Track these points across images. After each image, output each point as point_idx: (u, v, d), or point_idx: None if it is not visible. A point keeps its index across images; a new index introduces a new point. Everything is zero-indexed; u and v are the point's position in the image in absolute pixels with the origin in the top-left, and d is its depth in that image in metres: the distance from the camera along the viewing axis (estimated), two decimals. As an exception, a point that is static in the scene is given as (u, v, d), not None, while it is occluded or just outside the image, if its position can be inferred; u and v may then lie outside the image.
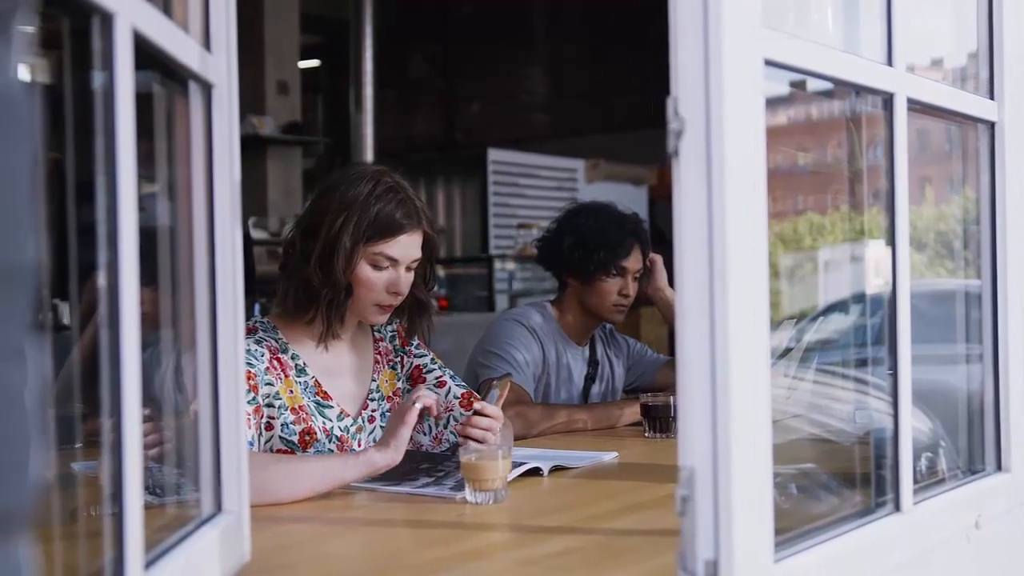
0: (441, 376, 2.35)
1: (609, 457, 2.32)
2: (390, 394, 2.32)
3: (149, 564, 1.08)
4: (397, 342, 2.37)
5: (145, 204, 1.12)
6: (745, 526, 1.15)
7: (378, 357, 2.33)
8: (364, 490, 1.97)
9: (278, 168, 7.74)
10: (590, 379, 3.09)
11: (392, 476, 2.01)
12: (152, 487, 1.29)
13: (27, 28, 0.58)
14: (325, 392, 2.20)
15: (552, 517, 1.79)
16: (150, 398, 1.14)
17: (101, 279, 1.00)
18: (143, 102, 1.06)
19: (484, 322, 5.39)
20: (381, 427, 2.27)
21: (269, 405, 2.09)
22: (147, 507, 1.05)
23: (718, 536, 1.14)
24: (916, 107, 1.56)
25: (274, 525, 1.70)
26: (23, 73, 0.57)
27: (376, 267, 2.14)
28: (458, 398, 2.30)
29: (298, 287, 2.16)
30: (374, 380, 2.30)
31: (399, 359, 2.36)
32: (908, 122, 1.52)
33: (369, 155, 8.62)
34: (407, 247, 2.16)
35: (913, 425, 1.54)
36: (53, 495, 1.11)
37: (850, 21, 1.78)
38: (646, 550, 1.56)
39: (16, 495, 0.53)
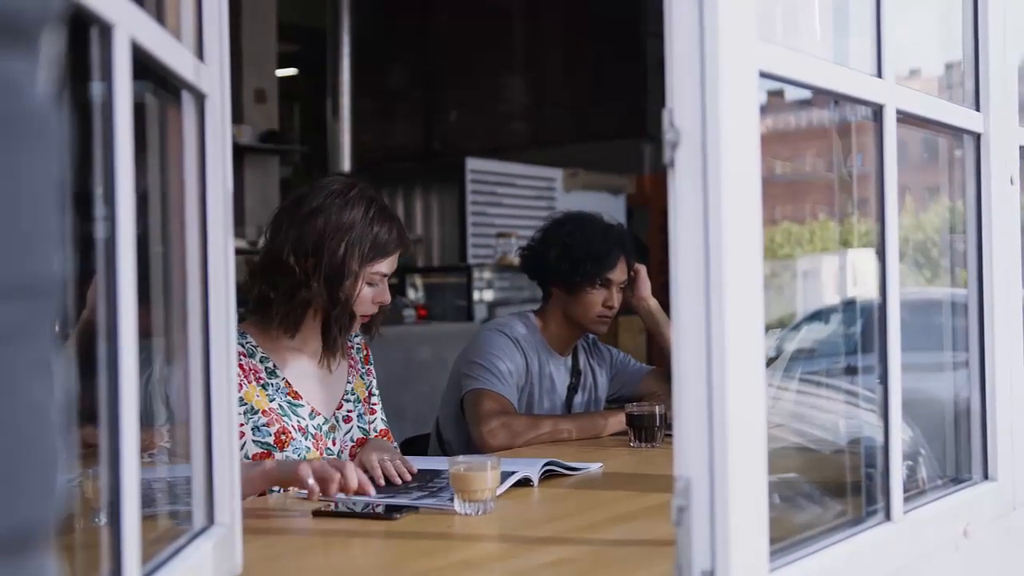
0: (376, 405, 2.48)
1: (595, 467, 2.32)
2: (363, 398, 2.43)
3: (144, 578, 1.07)
4: (361, 356, 2.49)
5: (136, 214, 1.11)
6: (742, 536, 1.15)
7: (351, 362, 2.43)
8: (359, 502, 1.96)
9: (255, 176, 7.72)
10: (573, 389, 3.09)
11: (386, 490, 2.00)
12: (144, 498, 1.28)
13: (53, 43, 0.58)
14: (296, 392, 2.27)
15: (542, 527, 1.79)
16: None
17: (98, 290, 1.00)
18: (135, 112, 1.06)
19: (463, 331, 5.40)
20: (359, 427, 2.38)
21: None
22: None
23: (715, 546, 1.15)
24: (903, 118, 1.57)
25: (265, 537, 1.69)
26: (50, 86, 0.56)
27: (371, 284, 2.27)
28: (377, 432, 2.42)
29: (299, 307, 2.22)
30: (349, 382, 2.39)
31: (365, 370, 2.48)
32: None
33: (346, 164, 8.61)
34: (395, 262, 2.31)
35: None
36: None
37: (838, 32, 1.79)
38: (638, 560, 1.57)
39: (44, 510, 0.53)
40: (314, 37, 8.84)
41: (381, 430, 2.43)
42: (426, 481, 2.10)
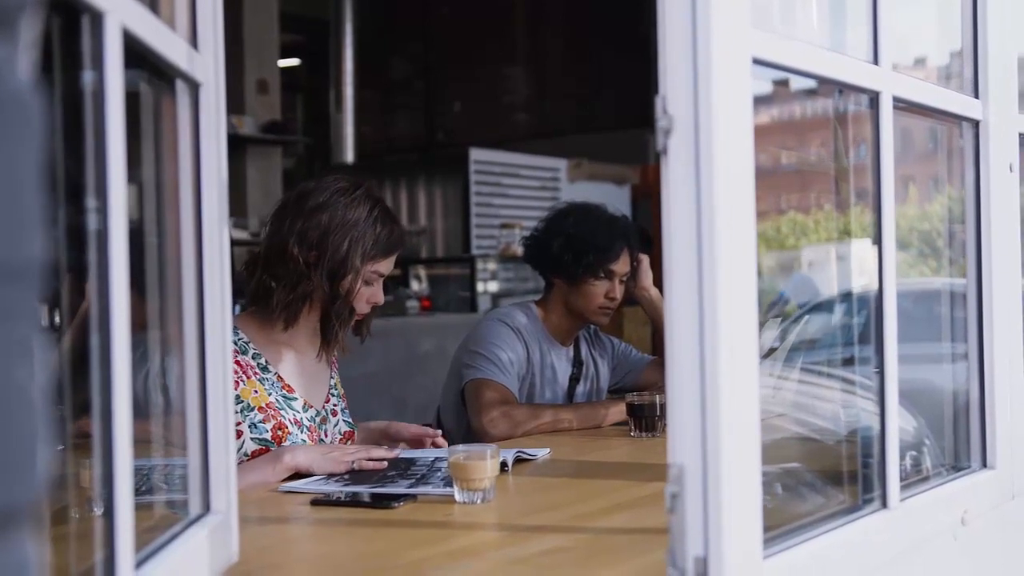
0: (344, 405, 2.48)
1: (542, 453, 2.33)
2: (342, 394, 2.48)
3: (139, 564, 1.07)
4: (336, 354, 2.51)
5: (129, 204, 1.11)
6: (735, 523, 1.15)
7: (333, 360, 2.47)
8: (357, 491, 1.96)
9: (258, 168, 7.72)
10: (575, 379, 3.09)
11: (370, 482, 2.00)
12: (137, 486, 1.28)
13: (33, 29, 0.58)
14: (289, 386, 2.30)
15: (540, 516, 1.79)
16: (134, 400, 1.14)
17: (89, 281, 1.00)
18: (128, 101, 1.06)
19: (466, 323, 5.41)
20: (344, 420, 2.43)
21: None
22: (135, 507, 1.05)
23: (708, 533, 1.15)
24: (901, 105, 1.57)
25: (262, 525, 1.70)
26: (29, 72, 0.57)
27: (367, 283, 2.30)
28: (341, 435, 2.42)
29: (299, 299, 2.25)
30: (332, 378, 2.45)
31: (338, 368, 2.52)
32: (893, 120, 1.53)
33: (349, 155, 8.61)
34: (392, 263, 2.36)
35: (898, 424, 1.54)
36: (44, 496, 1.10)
37: (835, 19, 1.79)
38: (635, 548, 1.57)
39: (24, 491, 0.53)
40: (317, 27, 8.85)
41: (346, 431, 2.44)
42: (404, 469, 2.10)
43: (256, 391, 2.23)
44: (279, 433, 2.22)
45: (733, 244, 1.16)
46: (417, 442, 2.40)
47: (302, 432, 2.27)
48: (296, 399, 2.30)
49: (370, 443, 2.43)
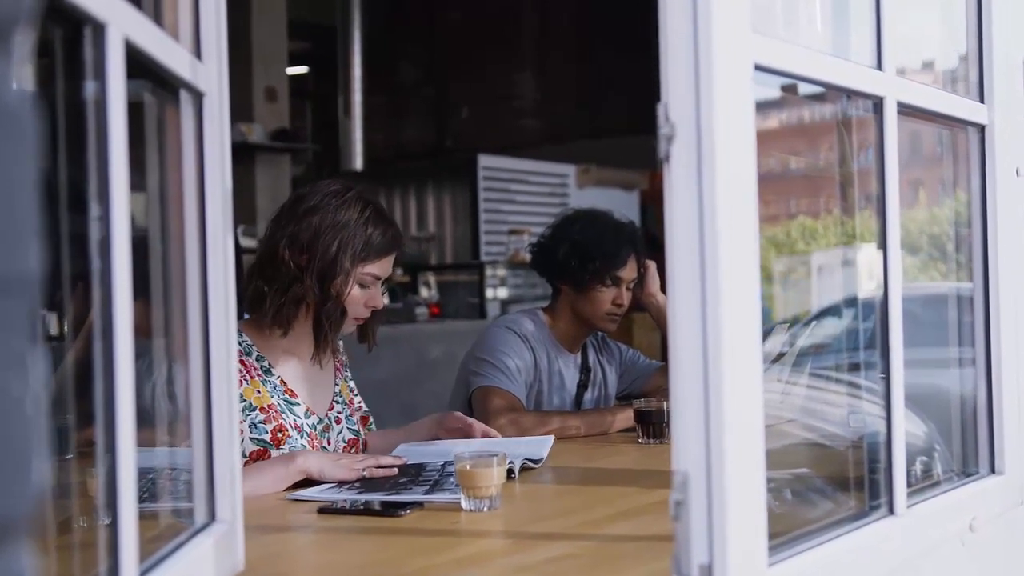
0: (350, 412, 2.46)
1: (547, 444, 2.35)
2: (348, 400, 2.46)
3: (143, 574, 1.08)
4: (344, 359, 2.52)
5: (134, 213, 1.11)
6: (739, 530, 1.15)
7: (338, 366, 2.47)
8: (365, 499, 1.96)
9: (267, 175, 7.72)
10: (583, 386, 3.09)
11: (382, 489, 2.00)
12: (143, 494, 1.28)
13: (28, 40, 0.58)
14: (291, 390, 2.30)
15: (547, 523, 1.79)
16: (142, 408, 1.14)
17: (94, 290, 1.00)
18: (133, 111, 1.06)
19: (475, 329, 5.41)
20: (348, 428, 2.42)
21: None
22: (140, 516, 1.05)
23: (712, 540, 1.15)
24: (906, 111, 1.56)
25: (267, 534, 1.70)
26: (25, 84, 0.57)
27: (362, 285, 2.29)
28: (345, 442, 2.41)
29: (292, 302, 2.25)
30: (336, 385, 2.44)
31: (348, 373, 2.52)
32: (899, 125, 1.52)
33: (358, 162, 8.61)
34: (389, 266, 2.34)
35: (907, 429, 1.54)
36: (46, 506, 1.11)
37: (839, 25, 1.79)
38: (641, 555, 1.56)
39: (18, 502, 0.54)
40: (325, 34, 8.85)
41: (350, 439, 2.43)
42: (415, 476, 2.10)
43: (259, 391, 2.24)
44: (279, 436, 2.22)
45: (735, 250, 1.16)
46: (462, 432, 2.43)
47: (302, 437, 2.26)
48: (299, 404, 2.30)
49: (428, 438, 2.46)
